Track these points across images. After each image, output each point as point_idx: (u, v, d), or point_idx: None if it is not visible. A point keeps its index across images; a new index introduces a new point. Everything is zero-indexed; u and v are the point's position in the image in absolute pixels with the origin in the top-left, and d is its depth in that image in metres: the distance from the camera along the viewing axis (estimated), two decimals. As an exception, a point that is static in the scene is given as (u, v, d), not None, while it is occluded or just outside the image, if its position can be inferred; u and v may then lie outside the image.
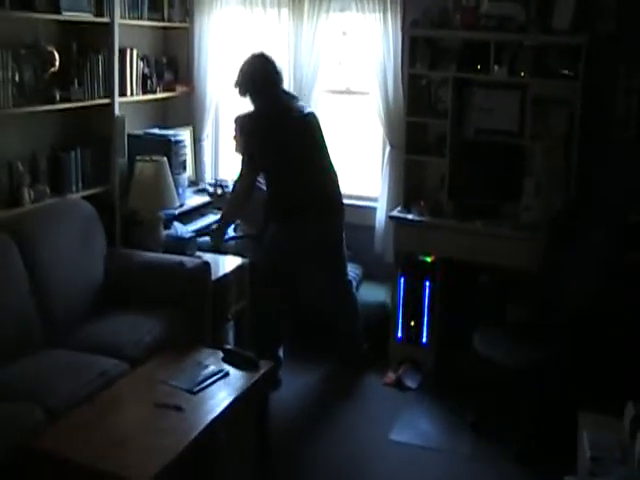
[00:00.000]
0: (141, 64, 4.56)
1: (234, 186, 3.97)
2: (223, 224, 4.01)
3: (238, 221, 4.26)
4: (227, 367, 3.07)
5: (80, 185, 4.03)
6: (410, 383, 4.04)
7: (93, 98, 4.07)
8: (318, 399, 3.95)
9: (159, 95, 4.77)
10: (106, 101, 4.17)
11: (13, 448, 2.44)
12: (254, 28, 4.68)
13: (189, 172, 4.81)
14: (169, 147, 4.37)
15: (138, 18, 4.47)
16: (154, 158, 4.06)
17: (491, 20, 3.96)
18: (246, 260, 4.05)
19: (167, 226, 4.17)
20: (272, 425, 3.28)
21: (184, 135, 4.71)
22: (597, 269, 3.48)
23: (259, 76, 3.81)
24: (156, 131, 4.64)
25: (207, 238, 4.04)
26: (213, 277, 3.73)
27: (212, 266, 3.74)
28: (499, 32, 3.93)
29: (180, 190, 4.37)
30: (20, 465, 2.45)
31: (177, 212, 4.34)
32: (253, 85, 3.81)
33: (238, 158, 3.99)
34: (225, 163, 5.17)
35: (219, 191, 4.35)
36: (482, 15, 3.99)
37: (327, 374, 4.17)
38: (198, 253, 4.01)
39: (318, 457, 3.37)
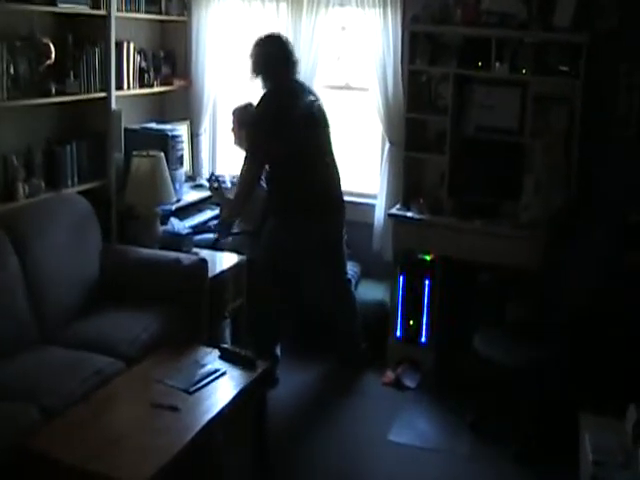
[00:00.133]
0: (138, 57, 4.51)
1: (239, 179, 3.93)
2: (229, 218, 3.97)
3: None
4: (224, 366, 3.03)
5: (76, 180, 3.98)
6: (409, 383, 4.01)
7: (89, 92, 4.02)
8: (316, 398, 3.92)
9: (156, 89, 4.71)
10: (102, 95, 4.11)
11: (9, 448, 2.41)
12: (252, 22, 4.62)
13: (186, 167, 4.77)
14: (166, 142, 4.33)
15: (135, 11, 4.42)
16: (151, 153, 4.03)
17: (492, 16, 3.94)
18: (243, 257, 4.02)
19: (164, 222, 4.14)
20: (269, 424, 3.24)
21: (181, 130, 4.67)
22: (597, 267, 3.47)
23: (274, 56, 3.72)
24: (153, 125, 4.59)
25: (207, 235, 4.00)
26: (210, 274, 3.69)
27: (209, 263, 3.70)
28: (500, 29, 3.91)
29: (177, 185, 4.34)
30: (16, 465, 2.41)
31: (174, 208, 4.31)
32: (265, 66, 3.72)
33: (237, 151, 3.94)
34: (223, 158, 5.13)
35: (215, 185, 4.31)
36: (483, 11, 3.97)
37: (325, 373, 4.15)
38: (195, 250, 3.97)
39: (316, 457, 3.35)
